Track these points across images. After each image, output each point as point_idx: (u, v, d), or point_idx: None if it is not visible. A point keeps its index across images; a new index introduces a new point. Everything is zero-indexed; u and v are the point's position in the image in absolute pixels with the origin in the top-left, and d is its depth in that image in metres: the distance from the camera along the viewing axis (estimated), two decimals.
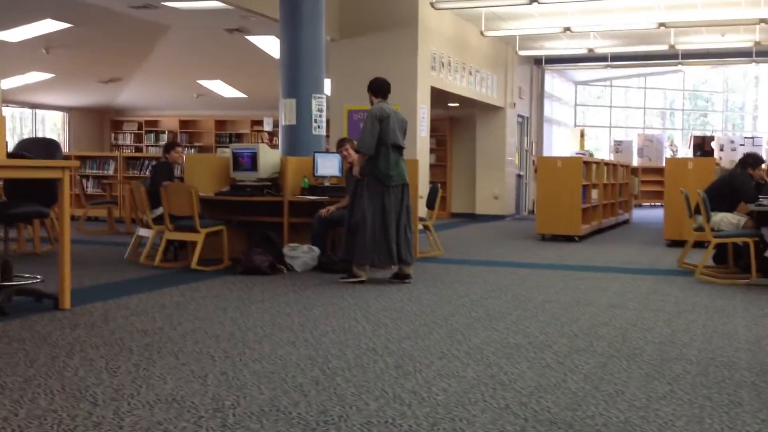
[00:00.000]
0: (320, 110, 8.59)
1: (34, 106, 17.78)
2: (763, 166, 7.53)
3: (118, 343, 4.15)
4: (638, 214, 16.29)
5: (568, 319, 5.01)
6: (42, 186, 5.17)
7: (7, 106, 16.69)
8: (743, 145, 18.74)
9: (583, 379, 3.55)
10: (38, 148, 5.51)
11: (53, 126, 18.64)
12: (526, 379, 3.53)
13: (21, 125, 17.99)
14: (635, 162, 19.31)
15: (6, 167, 4.85)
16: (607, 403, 3.17)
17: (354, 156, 6.85)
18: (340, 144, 7.48)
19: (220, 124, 18.66)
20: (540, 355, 4.01)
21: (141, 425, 2.84)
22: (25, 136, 17.18)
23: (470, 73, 13.51)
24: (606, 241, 10.70)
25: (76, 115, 18.55)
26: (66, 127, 18.49)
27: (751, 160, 7.49)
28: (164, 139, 18.20)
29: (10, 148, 6.01)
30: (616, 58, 16.42)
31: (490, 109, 15.16)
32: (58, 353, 3.90)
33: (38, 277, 5.66)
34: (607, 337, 4.46)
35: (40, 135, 17.52)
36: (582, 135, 20.21)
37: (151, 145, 18.54)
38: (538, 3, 10.44)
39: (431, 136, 13.08)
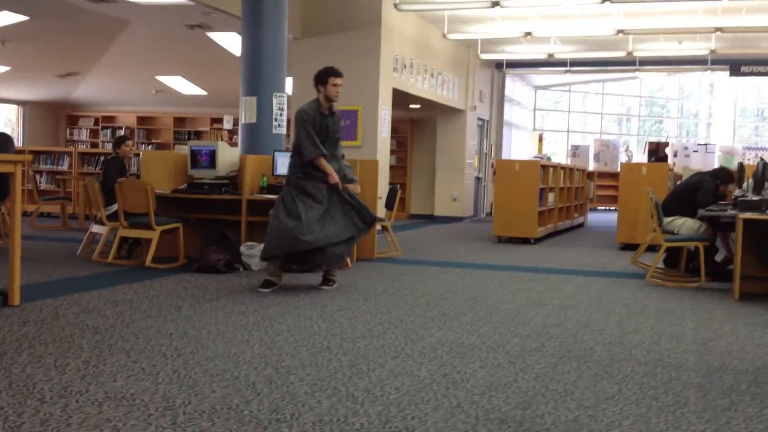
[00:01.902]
0: (281, 109, 8.55)
1: None
2: (731, 187, 7.62)
3: (68, 341, 4.09)
4: (593, 218, 16.56)
5: (522, 320, 5.07)
6: None
7: None
8: (696, 151, 19.16)
9: (534, 378, 3.60)
10: None
11: (7, 120, 18.24)
12: (479, 378, 3.57)
13: None
14: (591, 166, 19.61)
15: None
16: (557, 402, 3.22)
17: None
18: None
19: (179, 121, 18.45)
20: (493, 355, 4.05)
21: (89, 423, 2.80)
22: None
23: (432, 75, 13.58)
24: (561, 244, 10.85)
25: (31, 109, 18.18)
26: (20, 121, 18.11)
27: (723, 174, 7.58)
28: (120, 135, 17.93)
29: None
30: (575, 63, 16.66)
31: (451, 112, 15.26)
32: (5, 350, 3.83)
33: None
34: (559, 338, 4.53)
35: None
36: (540, 139, 20.46)
37: (107, 141, 18.25)
38: (501, 7, 10.53)
39: (392, 137, 13.11)
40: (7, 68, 15.11)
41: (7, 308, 4.87)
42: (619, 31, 12.33)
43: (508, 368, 3.77)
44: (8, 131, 16.84)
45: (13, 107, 18.10)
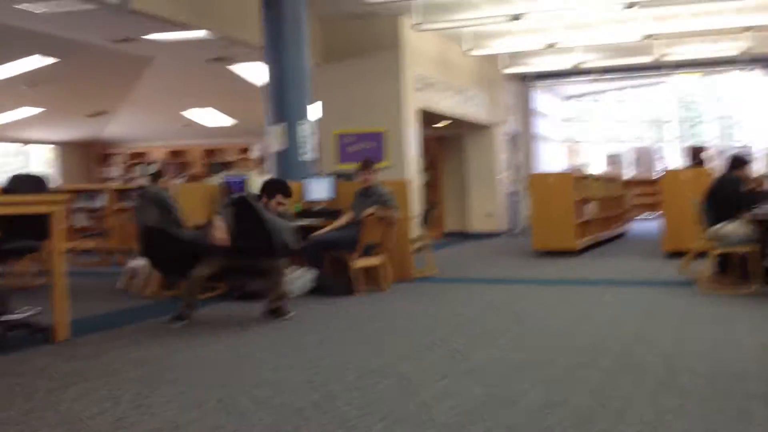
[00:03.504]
0: (307, 136, 8.55)
1: (24, 141, 17.73)
2: (748, 169, 7.49)
3: (117, 373, 4.09)
4: (633, 227, 16.25)
5: (570, 335, 4.95)
6: (33, 221, 5.13)
7: None
8: None
9: (589, 394, 3.49)
10: (29, 184, 5.49)
11: (44, 161, 18.56)
12: (531, 396, 3.47)
13: (11, 161, 17.91)
14: (628, 175, 19.28)
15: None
16: (616, 419, 3.11)
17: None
18: (365, 166, 7.43)
19: (209, 152, 18.64)
20: (543, 372, 3.95)
21: None
22: (16, 172, 17.09)
23: (457, 93, 13.54)
24: (604, 255, 10.65)
25: (65, 149, 18.49)
26: (56, 161, 18.43)
27: (737, 162, 7.44)
28: (151, 170, 18.12)
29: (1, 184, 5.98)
30: (603, 71, 16.47)
31: (479, 128, 15.19)
32: (55, 385, 3.84)
33: (38, 308, 5.59)
34: (611, 352, 4.41)
35: (31, 170, 17.42)
36: (573, 150, 20.22)
37: (140, 177, 18.47)
38: (521, 20, 10.47)
39: (422, 157, 13.06)
40: (42, 109, 15.41)
41: (55, 344, 4.89)
42: (647, 36, 12.17)
43: (561, 385, 3.67)
44: (46, 171, 17.14)
45: (49, 148, 18.44)
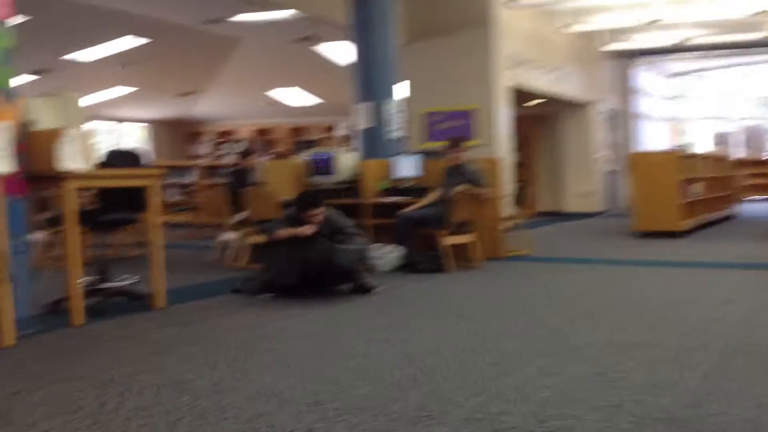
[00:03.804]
0: (396, 113, 8.51)
1: (118, 119, 18.32)
2: None
3: (215, 340, 4.15)
4: (743, 209, 15.46)
5: (677, 317, 4.73)
6: (131, 194, 5.26)
7: (94, 119, 17.21)
8: None
9: (702, 377, 3.32)
10: (125, 159, 5.63)
11: (137, 139, 19.15)
12: (637, 377, 3.32)
13: (107, 138, 18.53)
14: (736, 154, 18.33)
15: (99, 177, 4.96)
16: (731, 401, 2.94)
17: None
18: (454, 143, 7.34)
19: (294, 131, 18.85)
20: (649, 353, 3.77)
21: (243, 416, 2.82)
22: (112, 148, 17.65)
23: (552, 71, 13.21)
24: (711, 237, 10.09)
25: (157, 127, 19.04)
26: (148, 138, 18.99)
27: None
28: (240, 147, 18.47)
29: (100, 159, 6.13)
30: (710, 48, 15.65)
31: (575, 106, 14.80)
32: (155, 349, 3.93)
33: (136, 277, 5.75)
34: (723, 335, 4.17)
35: (124, 147, 17.98)
36: (677, 128, 19.38)
37: (227, 154, 18.86)
38: None
39: (514, 135, 12.83)
40: (134, 89, 15.88)
41: (155, 312, 5.02)
42: (758, 13, 11.49)
43: (670, 367, 3.49)
44: (140, 148, 17.67)
45: (141, 126, 19.01)
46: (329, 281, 5.70)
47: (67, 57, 13.08)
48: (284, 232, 5.66)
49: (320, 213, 5.72)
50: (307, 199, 5.82)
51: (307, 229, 5.61)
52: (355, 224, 6.04)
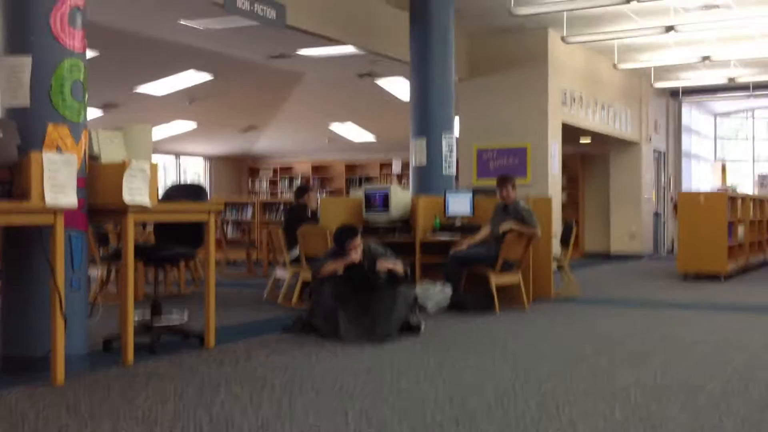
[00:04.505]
0: (450, 149, 8.61)
1: (178, 154, 18.80)
2: None
3: (261, 380, 4.25)
4: None
5: (721, 361, 4.70)
6: (189, 229, 5.38)
7: (154, 154, 17.66)
8: None
9: (741, 423, 3.30)
10: (185, 193, 5.74)
11: (195, 173, 19.61)
12: (679, 422, 3.32)
13: (165, 173, 19.02)
14: None
15: (160, 211, 5.00)
16: None
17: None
18: (504, 181, 7.32)
19: (350, 167, 19.09)
20: (692, 397, 3.76)
21: None
22: (173, 183, 18.10)
23: (603, 108, 13.18)
24: (755, 280, 10.03)
25: (216, 162, 19.49)
26: (207, 174, 19.44)
27: None
28: (297, 184, 18.78)
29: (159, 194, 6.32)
30: (759, 87, 15.52)
31: (624, 145, 14.70)
32: (204, 388, 4.04)
33: (186, 313, 5.90)
34: (763, 381, 4.14)
35: (186, 181, 18.40)
36: (723, 169, 19.14)
37: (285, 191, 19.18)
38: (675, 32, 10.08)
39: (563, 173, 12.81)
40: (195, 125, 16.29)
41: (204, 350, 5.13)
42: None
43: (711, 412, 3.49)
44: (202, 183, 18.12)
45: (200, 160, 19.47)
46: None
47: (136, 91, 13.35)
48: (330, 266, 5.79)
49: (360, 243, 5.86)
50: (345, 231, 5.98)
51: (353, 256, 5.73)
52: (392, 253, 6.18)
